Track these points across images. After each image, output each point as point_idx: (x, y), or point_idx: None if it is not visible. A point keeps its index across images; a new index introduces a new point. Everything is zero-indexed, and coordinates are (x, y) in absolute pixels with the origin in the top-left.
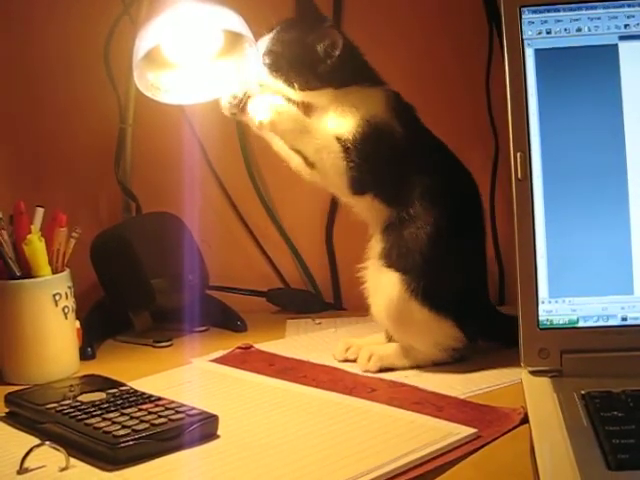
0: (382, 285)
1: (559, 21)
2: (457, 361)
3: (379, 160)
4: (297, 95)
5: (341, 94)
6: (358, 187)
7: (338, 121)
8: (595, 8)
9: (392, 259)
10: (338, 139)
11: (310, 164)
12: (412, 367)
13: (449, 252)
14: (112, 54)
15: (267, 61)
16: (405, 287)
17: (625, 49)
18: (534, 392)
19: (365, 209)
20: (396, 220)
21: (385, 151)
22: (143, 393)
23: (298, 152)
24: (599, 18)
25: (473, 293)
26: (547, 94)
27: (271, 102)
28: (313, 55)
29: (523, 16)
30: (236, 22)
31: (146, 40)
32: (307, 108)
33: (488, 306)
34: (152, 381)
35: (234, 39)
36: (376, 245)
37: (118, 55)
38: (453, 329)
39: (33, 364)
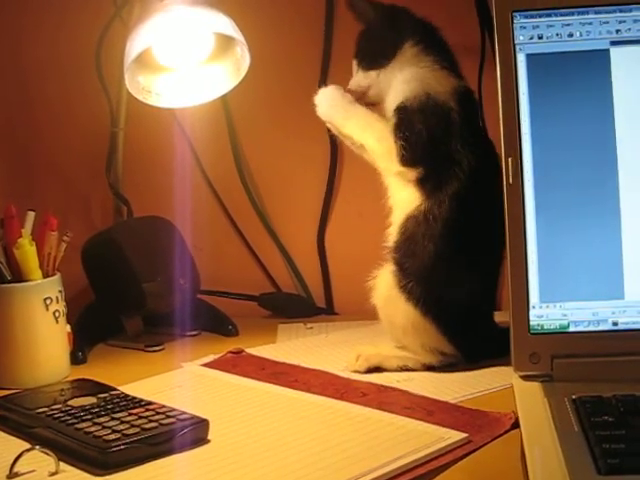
0: (378, 279)
1: (551, 26)
2: (447, 368)
3: (431, 136)
4: (364, 78)
5: (407, 70)
6: (409, 158)
7: (402, 91)
8: (587, 13)
9: (397, 253)
10: (397, 108)
11: (359, 148)
12: (401, 369)
13: (455, 264)
14: (104, 57)
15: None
16: (396, 281)
17: (616, 54)
18: (525, 397)
19: (400, 189)
20: (421, 215)
21: (438, 129)
22: (134, 397)
23: (345, 137)
24: (591, 23)
25: (470, 306)
26: (538, 99)
27: (321, 93)
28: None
29: (515, 21)
30: (227, 25)
31: (137, 43)
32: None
33: (487, 325)
34: (143, 385)
35: (225, 42)
36: (392, 237)
37: (110, 58)
38: (438, 334)
39: (23, 368)
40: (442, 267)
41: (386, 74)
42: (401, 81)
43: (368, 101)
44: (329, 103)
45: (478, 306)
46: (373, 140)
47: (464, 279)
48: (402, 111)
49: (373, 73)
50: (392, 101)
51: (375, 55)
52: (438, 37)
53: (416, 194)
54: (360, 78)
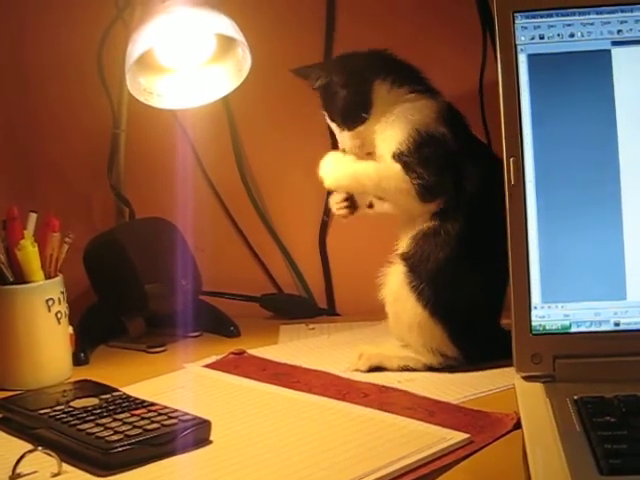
0: (389, 276)
1: (552, 26)
2: (449, 368)
3: (438, 165)
4: (353, 137)
5: (389, 112)
6: (428, 195)
7: (391, 136)
8: (588, 14)
9: (409, 260)
10: (395, 155)
11: (379, 200)
12: (402, 369)
13: (465, 272)
14: (105, 59)
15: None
16: (407, 281)
17: (618, 54)
18: (527, 397)
19: (413, 217)
20: (432, 231)
21: (441, 156)
22: (136, 398)
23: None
24: (592, 23)
25: (476, 313)
26: (540, 99)
27: (324, 166)
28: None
29: (516, 21)
30: (229, 26)
31: (139, 44)
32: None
33: (491, 330)
34: (145, 386)
35: (227, 43)
36: (402, 247)
37: (111, 60)
38: (443, 336)
39: (26, 370)
40: (453, 272)
41: (372, 123)
42: (386, 126)
43: (365, 153)
44: (335, 170)
45: (485, 311)
46: (392, 189)
47: (474, 285)
48: (402, 156)
49: (361, 128)
50: (386, 148)
51: (354, 111)
52: (397, 61)
53: (430, 214)
54: (349, 138)
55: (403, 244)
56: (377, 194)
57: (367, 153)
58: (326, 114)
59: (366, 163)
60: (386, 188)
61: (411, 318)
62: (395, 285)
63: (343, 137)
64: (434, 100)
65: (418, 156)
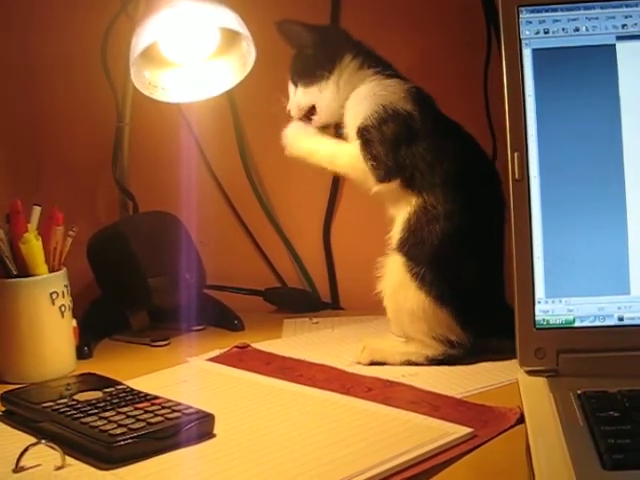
0: (387, 267)
1: (557, 21)
2: (452, 361)
3: (399, 144)
4: (304, 95)
5: (360, 89)
6: (384, 175)
7: (358, 112)
8: (593, 8)
9: (404, 247)
10: (358, 131)
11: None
12: (404, 363)
13: (461, 248)
14: (109, 52)
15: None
16: (406, 269)
17: (623, 49)
18: (530, 392)
19: (393, 199)
20: (420, 210)
21: (404, 135)
22: (139, 392)
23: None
24: (597, 18)
25: (479, 290)
26: (544, 94)
27: (287, 134)
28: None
29: (521, 16)
30: (233, 20)
31: (143, 38)
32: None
33: (497, 305)
34: (149, 380)
35: (231, 37)
36: (395, 235)
37: (115, 53)
38: (449, 319)
39: (29, 363)
40: (451, 251)
41: (329, 89)
42: (354, 103)
43: (323, 125)
44: (295, 139)
45: (488, 288)
46: (347, 167)
47: (473, 262)
48: (364, 131)
49: (314, 89)
50: (351, 124)
51: (314, 71)
52: (374, 53)
53: (407, 196)
54: (300, 97)
55: (396, 232)
56: (333, 170)
57: (322, 126)
58: (290, 75)
59: (324, 140)
60: (341, 166)
61: (415, 306)
62: (394, 277)
63: (295, 96)
64: (403, 82)
65: (380, 133)
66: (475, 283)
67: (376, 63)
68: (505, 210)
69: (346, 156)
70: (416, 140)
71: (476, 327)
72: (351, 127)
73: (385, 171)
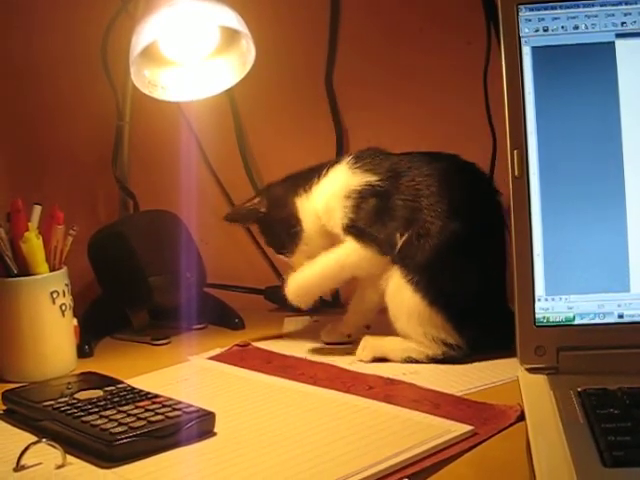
0: (388, 280)
1: (556, 19)
2: (453, 361)
3: (382, 216)
4: (302, 250)
5: (314, 215)
6: (389, 248)
7: (334, 217)
8: (592, 6)
9: (398, 258)
10: (345, 228)
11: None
12: (406, 360)
13: (454, 257)
14: (110, 51)
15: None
16: (402, 276)
17: (622, 47)
18: (530, 389)
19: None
20: (412, 237)
21: (379, 205)
22: (140, 390)
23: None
24: (596, 16)
25: (476, 297)
26: (544, 92)
27: (288, 289)
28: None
29: (520, 14)
30: (233, 18)
31: (143, 37)
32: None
33: (496, 315)
34: (149, 379)
35: (231, 36)
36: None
37: (116, 52)
38: (444, 323)
39: (30, 362)
40: (444, 258)
41: (309, 232)
42: (327, 217)
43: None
44: (296, 284)
45: (486, 297)
46: (356, 264)
47: (468, 267)
48: (349, 227)
49: (302, 246)
50: (336, 229)
51: (286, 236)
52: (302, 172)
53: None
54: (298, 261)
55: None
56: (348, 276)
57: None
58: (273, 249)
59: (322, 261)
60: (353, 270)
61: (410, 309)
62: (392, 282)
63: (295, 259)
64: (338, 164)
65: (361, 218)
66: (471, 291)
67: (312, 176)
68: (504, 218)
69: (350, 257)
70: (390, 200)
71: (472, 334)
72: (338, 231)
73: (388, 244)
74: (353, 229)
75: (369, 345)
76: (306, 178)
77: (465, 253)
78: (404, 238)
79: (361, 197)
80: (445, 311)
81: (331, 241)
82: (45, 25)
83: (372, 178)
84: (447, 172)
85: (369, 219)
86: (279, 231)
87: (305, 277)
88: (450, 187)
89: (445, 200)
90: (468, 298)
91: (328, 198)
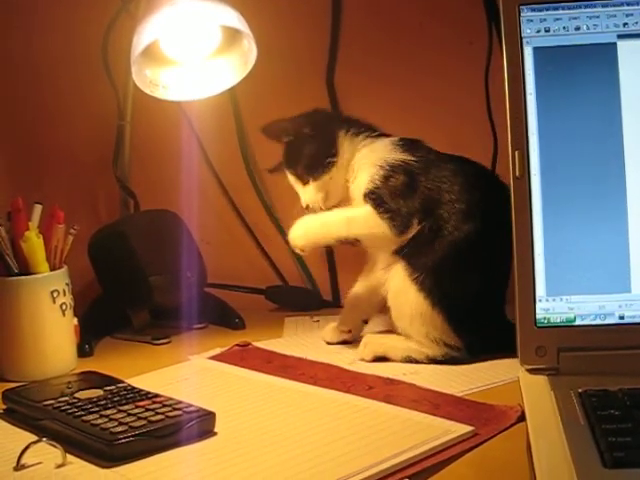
0: (390, 275)
1: (558, 19)
2: (453, 362)
3: (406, 193)
4: (318, 188)
5: (353, 160)
6: (401, 226)
7: (360, 181)
8: (594, 7)
9: (404, 252)
10: (365, 196)
11: (353, 242)
12: (406, 359)
13: (463, 259)
14: (110, 50)
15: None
16: (406, 274)
17: (624, 48)
18: (531, 390)
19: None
20: (425, 228)
21: (407, 182)
22: (140, 390)
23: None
24: (598, 17)
25: (479, 302)
26: (545, 92)
27: (293, 230)
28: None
29: (522, 14)
30: (234, 18)
31: (144, 36)
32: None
33: (494, 320)
34: (150, 378)
35: (232, 35)
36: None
37: (116, 51)
38: (445, 325)
39: (31, 361)
40: (452, 260)
41: (337, 171)
42: (356, 173)
43: (330, 206)
44: (302, 228)
45: (488, 302)
46: (364, 229)
47: (473, 272)
48: (371, 194)
49: (326, 177)
50: (357, 192)
51: (321, 161)
52: (355, 118)
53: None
54: (314, 191)
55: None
56: (351, 239)
57: (333, 206)
58: (290, 171)
59: (333, 212)
60: (358, 232)
61: (413, 309)
62: (396, 280)
63: (307, 191)
64: (389, 136)
65: (386, 189)
66: (474, 294)
67: (362, 128)
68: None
69: (361, 218)
70: (419, 184)
71: (472, 338)
72: (358, 195)
73: (403, 223)
74: (374, 196)
75: (370, 343)
76: (357, 126)
77: (473, 257)
78: (418, 228)
79: (393, 171)
80: (447, 313)
81: (346, 203)
82: (45, 25)
83: (408, 157)
84: (471, 175)
85: (393, 192)
86: (313, 155)
87: (312, 220)
88: (470, 190)
89: (464, 201)
90: (470, 301)
91: (363, 162)
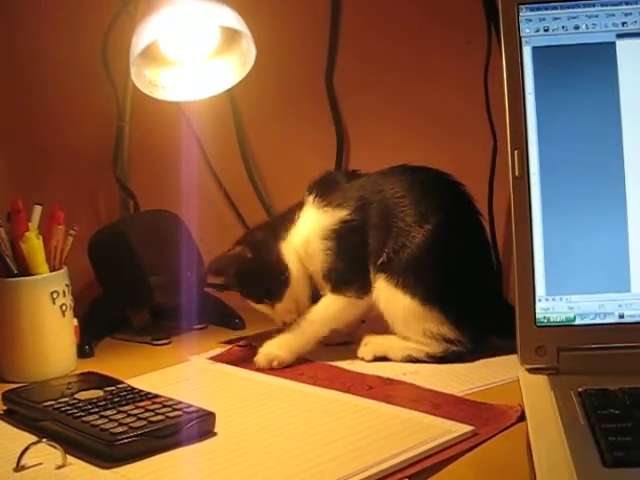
0: (376, 288)
1: (557, 19)
2: (453, 359)
3: (358, 252)
4: (287, 301)
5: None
6: (365, 291)
7: (315, 266)
8: (593, 6)
9: (382, 266)
10: (323, 277)
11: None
12: (406, 358)
13: (436, 252)
14: (110, 51)
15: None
16: (388, 283)
17: (622, 47)
18: (531, 390)
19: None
20: (395, 249)
21: (356, 238)
22: (140, 391)
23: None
24: (597, 16)
25: (469, 288)
26: (544, 92)
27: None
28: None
29: (521, 14)
30: (233, 18)
31: (143, 37)
32: None
33: (494, 303)
34: (150, 379)
35: (231, 36)
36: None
37: (116, 52)
38: (441, 318)
39: (31, 362)
40: (424, 256)
41: (296, 279)
42: (309, 263)
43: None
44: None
45: (475, 287)
46: (340, 310)
47: (448, 263)
48: (328, 272)
49: (288, 291)
50: (316, 273)
51: (274, 281)
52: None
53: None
54: (284, 309)
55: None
56: (341, 323)
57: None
58: (251, 300)
59: (305, 322)
60: (334, 320)
61: (405, 312)
62: (382, 290)
63: (277, 312)
64: (306, 205)
65: (342, 258)
66: (462, 282)
67: (286, 219)
68: (476, 213)
69: (329, 308)
70: (365, 228)
71: (472, 325)
72: (318, 276)
73: (366, 286)
74: (332, 275)
75: (370, 343)
76: (283, 221)
77: (443, 249)
78: (382, 259)
79: (339, 237)
80: (441, 307)
81: (313, 283)
82: (45, 26)
83: (344, 213)
84: (418, 179)
85: (349, 260)
86: (266, 278)
87: (287, 338)
88: (421, 192)
89: (417, 205)
90: (459, 291)
91: (307, 242)
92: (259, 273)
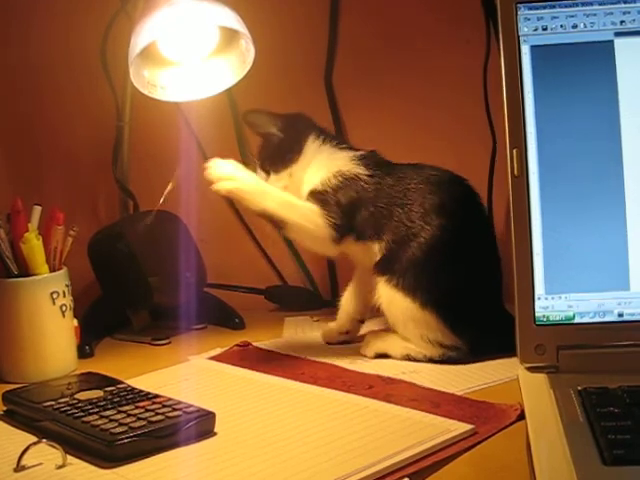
0: (379, 293)
1: (555, 17)
2: (451, 362)
3: (350, 211)
4: (278, 179)
5: (317, 161)
6: (337, 238)
7: (314, 179)
8: (591, 4)
9: (381, 268)
10: (313, 194)
11: (279, 223)
12: (405, 357)
13: (438, 256)
14: (109, 51)
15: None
16: (388, 284)
17: (621, 45)
18: (531, 388)
19: (357, 252)
20: (387, 244)
21: (354, 201)
22: (140, 391)
23: (263, 215)
24: (595, 14)
25: (469, 295)
26: (543, 90)
27: (228, 170)
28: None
29: (519, 12)
30: (232, 18)
31: (142, 37)
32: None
33: (492, 309)
34: (150, 379)
35: (230, 36)
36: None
37: (115, 52)
38: (439, 324)
39: (31, 362)
40: (426, 258)
41: (297, 169)
42: (311, 174)
43: None
44: (241, 180)
45: (477, 294)
46: (303, 218)
47: (452, 268)
48: (318, 194)
49: (285, 172)
50: (306, 187)
51: (283, 156)
52: (332, 133)
53: (370, 245)
54: (273, 183)
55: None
56: (278, 219)
57: None
58: (258, 162)
59: (280, 191)
60: (293, 218)
61: (405, 314)
62: (383, 291)
63: (269, 182)
64: (352, 150)
65: (334, 198)
66: (462, 291)
67: (333, 138)
68: (487, 218)
69: (304, 209)
70: (366, 201)
71: (470, 331)
72: (306, 190)
73: (339, 234)
74: (321, 197)
75: (372, 341)
76: (328, 136)
77: (447, 253)
78: (382, 245)
79: (345, 184)
80: (439, 313)
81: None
82: (44, 26)
83: (363, 171)
84: (429, 178)
85: (338, 204)
86: (278, 149)
87: (255, 178)
88: (431, 191)
89: (425, 202)
90: (460, 298)
91: (321, 165)
92: (276, 143)
